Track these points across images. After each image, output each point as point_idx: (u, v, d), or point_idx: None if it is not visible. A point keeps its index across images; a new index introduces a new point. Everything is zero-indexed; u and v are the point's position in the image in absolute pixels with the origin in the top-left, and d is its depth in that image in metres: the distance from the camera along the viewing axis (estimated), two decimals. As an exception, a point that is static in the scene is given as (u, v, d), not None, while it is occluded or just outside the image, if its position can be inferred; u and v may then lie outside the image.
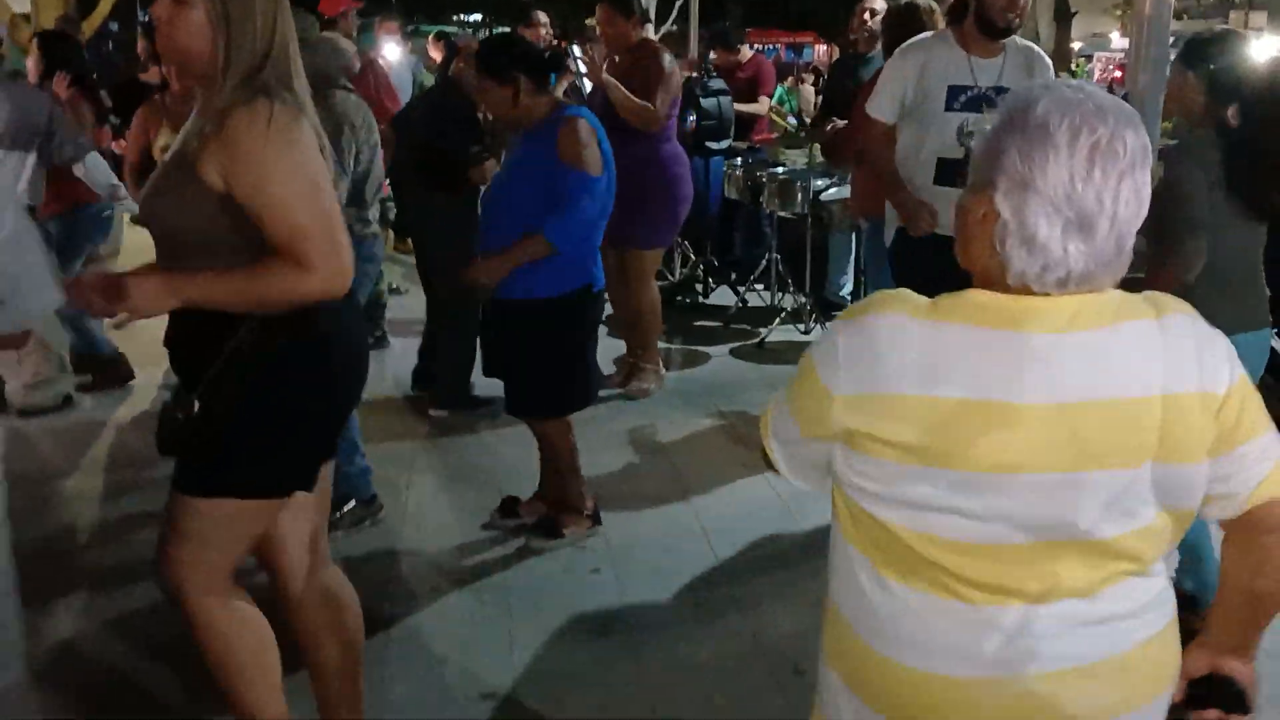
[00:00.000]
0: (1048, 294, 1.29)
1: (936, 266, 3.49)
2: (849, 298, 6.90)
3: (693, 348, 6.11)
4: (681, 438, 4.84)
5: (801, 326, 6.49)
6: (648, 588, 3.47)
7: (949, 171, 3.74)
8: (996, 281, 1.31)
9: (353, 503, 3.80)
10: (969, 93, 3.74)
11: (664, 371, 5.52)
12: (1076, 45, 24.55)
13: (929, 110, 3.77)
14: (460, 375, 4.95)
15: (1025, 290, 1.29)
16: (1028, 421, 1.27)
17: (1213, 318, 1.38)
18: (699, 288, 7.28)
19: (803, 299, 6.59)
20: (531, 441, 3.80)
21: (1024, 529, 1.30)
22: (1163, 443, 1.28)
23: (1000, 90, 3.72)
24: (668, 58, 5.12)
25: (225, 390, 2.04)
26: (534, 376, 3.59)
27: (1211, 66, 2.89)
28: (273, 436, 2.12)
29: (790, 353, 6.15)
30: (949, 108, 3.75)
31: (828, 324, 1.34)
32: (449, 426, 4.84)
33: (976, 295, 1.33)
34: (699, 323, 6.64)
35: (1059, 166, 1.24)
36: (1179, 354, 1.30)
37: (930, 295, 1.36)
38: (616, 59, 5.19)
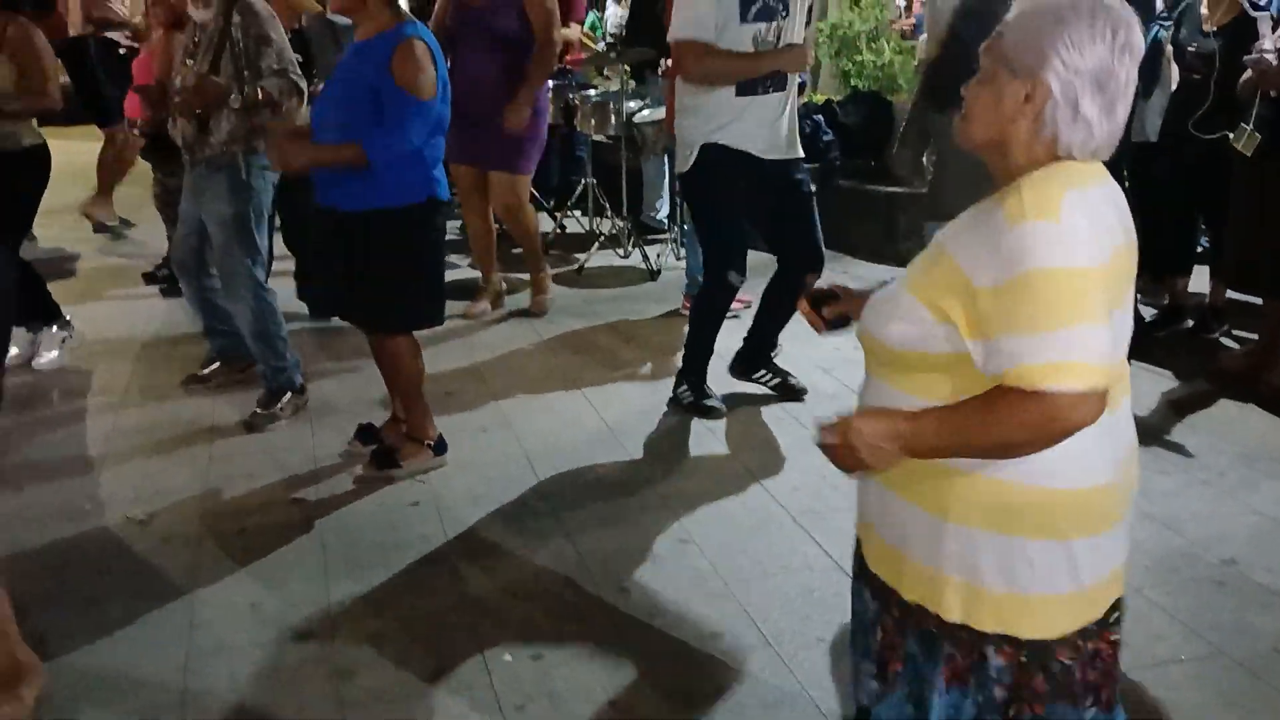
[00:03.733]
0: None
1: (742, 178, 3.61)
2: (666, 220, 6.92)
3: (511, 275, 6.00)
4: (503, 365, 4.77)
5: (620, 251, 6.47)
6: (469, 515, 3.41)
7: (750, 83, 3.88)
8: (1029, 155, 1.52)
9: (289, 395, 4.14)
10: (758, 3, 3.84)
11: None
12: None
13: (727, 23, 3.83)
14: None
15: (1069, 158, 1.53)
16: (1131, 258, 1.59)
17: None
18: (516, 214, 7.14)
19: (620, 223, 6.56)
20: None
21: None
22: None
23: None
24: None
25: None
26: (386, 288, 3.48)
27: None
28: None
29: (609, 278, 6.13)
30: (744, 20, 3.84)
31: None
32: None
33: (1083, 166, 1.53)
34: (518, 249, 6.52)
35: (1101, 53, 1.47)
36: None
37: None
38: None
